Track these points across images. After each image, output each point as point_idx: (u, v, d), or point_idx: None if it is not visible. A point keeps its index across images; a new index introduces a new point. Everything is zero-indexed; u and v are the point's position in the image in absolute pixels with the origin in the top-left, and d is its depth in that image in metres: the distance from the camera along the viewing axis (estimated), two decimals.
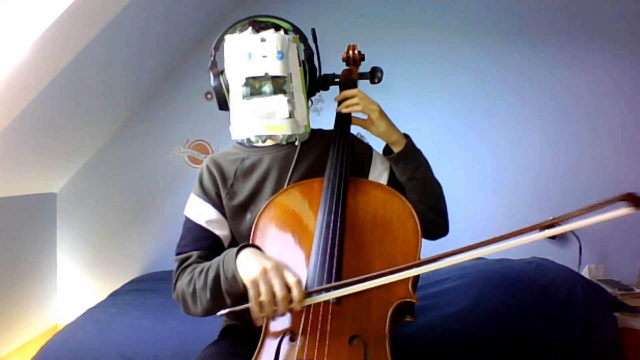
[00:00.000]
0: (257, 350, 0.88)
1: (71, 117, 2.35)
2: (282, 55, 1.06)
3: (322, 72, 1.25)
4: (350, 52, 1.30)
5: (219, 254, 1.01)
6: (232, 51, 1.07)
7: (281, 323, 0.90)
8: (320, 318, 0.86)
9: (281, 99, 1.06)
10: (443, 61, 2.66)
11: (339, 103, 1.18)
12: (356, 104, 1.13)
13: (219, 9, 2.68)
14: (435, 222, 1.15)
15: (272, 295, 0.83)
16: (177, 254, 1.12)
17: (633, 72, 2.54)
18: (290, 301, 0.84)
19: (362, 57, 1.30)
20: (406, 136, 1.16)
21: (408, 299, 0.90)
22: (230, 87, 1.10)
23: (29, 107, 1.93)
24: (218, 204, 1.16)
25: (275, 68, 1.05)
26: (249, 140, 1.10)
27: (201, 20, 2.64)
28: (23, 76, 1.77)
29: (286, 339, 0.87)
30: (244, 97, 1.06)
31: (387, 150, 1.18)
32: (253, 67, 1.04)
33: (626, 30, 2.53)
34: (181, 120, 2.81)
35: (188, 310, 1.05)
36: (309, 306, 0.88)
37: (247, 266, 0.89)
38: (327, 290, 0.87)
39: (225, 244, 1.15)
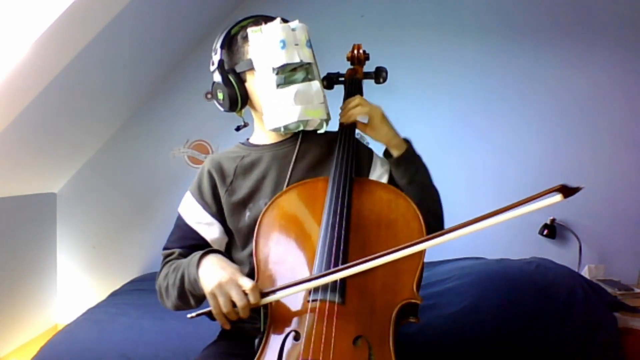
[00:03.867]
0: (260, 349, 0.88)
1: (71, 117, 2.35)
2: (310, 43, 1.09)
3: (322, 68, 1.25)
4: (355, 51, 1.30)
5: None
6: (264, 40, 1.07)
7: (285, 323, 0.90)
8: (325, 318, 0.86)
9: (316, 84, 1.09)
10: (443, 61, 2.66)
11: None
12: (359, 108, 1.13)
13: (219, 8, 2.68)
14: (432, 227, 1.15)
15: (232, 304, 0.90)
16: (164, 248, 1.17)
17: (633, 72, 2.54)
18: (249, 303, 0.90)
19: (366, 57, 1.31)
20: (407, 141, 1.17)
21: (413, 300, 0.90)
22: (259, 79, 1.10)
23: (29, 107, 1.93)
24: (211, 207, 1.16)
25: (306, 56, 1.07)
26: (286, 127, 1.09)
27: (201, 20, 2.64)
28: (23, 76, 1.77)
29: (290, 339, 0.87)
30: (278, 85, 1.06)
31: (387, 154, 1.18)
32: (288, 55, 1.05)
33: (626, 30, 2.53)
34: (181, 120, 2.81)
35: (162, 303, 1.10)
36: (313, 306, 0.88)
37: (206, 277, 0.95)
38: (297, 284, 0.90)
39: (216, 246, 1.16)
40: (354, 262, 0.87)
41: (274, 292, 0.90)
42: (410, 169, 1.14)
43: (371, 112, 1.13)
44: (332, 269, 0.88)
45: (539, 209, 0.73)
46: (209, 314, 0.93)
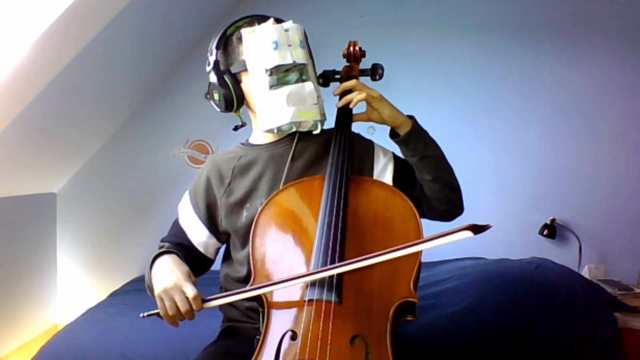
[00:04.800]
0: (257, 349, 0.88)
1: (71, 117, 2.35)
2: (303, 44, 1.09)
3: (322, 69, 1.25)
4: (351, 48, 1.29)
5: (186, 254, 1.13)
6: (257, 41, 1.07)
7: (282, 322, 0.90)
8: (321, 318, 0.85)
9: (309, 85, 1.08)
10: (443, 61, 2.66)
11: (340, 97, 1.17)
12: (358, 94, 1.11)
13: (219, 9, 2.68)
14: (452, 200, 1.18)
15: (177, 308, 0.93)
16: (161, 240, 1.21)
17: (633, 72, 2.54)
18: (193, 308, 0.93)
19: (362, 54, 1.30)
20: (411, 117, 1.15)
21: (410, 299, 0.90)
22: (252, 80, 1.10)
23: (29, 107, 1.93)
24: (201, 210, 1.18)
25: (299, 56, 1.07)
26: (279, 129, 1.09)
27: (201, 20, 2.64)
28: (23, 76, 1.77)
29: (287, 338, 0.87)
30: (271, 87, 1.07)
31: (394, 134, 1.17)
32: (281, 56, 1.05)
33: (626, 30, 2.53)
34: (181, 120, 2.81)
35: None
36: (310, 305, 0.88)
37: (155, 279, 1.00)
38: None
39: (201, 248, 1.19)
40: (339, 264, 0.87)
41: (216, 298, 0.94)
42: (419, 144, 1.13)
43: (371, 94, 1.11)
44: (305, 273, 0.89)
45: (451, 242, 0.81)
46: (159, 314, 0.96)
